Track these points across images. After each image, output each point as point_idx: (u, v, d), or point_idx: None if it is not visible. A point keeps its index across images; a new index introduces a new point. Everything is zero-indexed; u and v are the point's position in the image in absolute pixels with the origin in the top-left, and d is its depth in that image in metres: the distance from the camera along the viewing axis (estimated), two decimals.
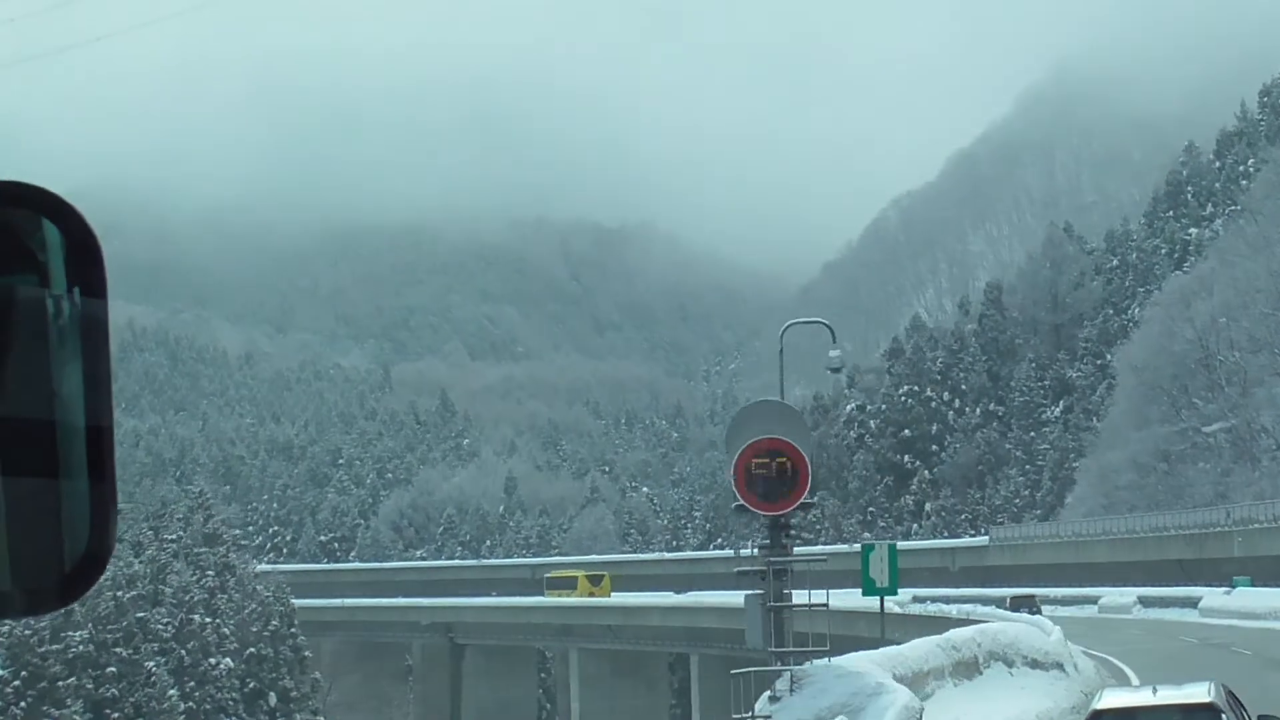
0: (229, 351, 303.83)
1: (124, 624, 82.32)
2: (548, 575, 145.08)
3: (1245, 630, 68.12)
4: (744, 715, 29.52)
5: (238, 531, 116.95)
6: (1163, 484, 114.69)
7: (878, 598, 40.71)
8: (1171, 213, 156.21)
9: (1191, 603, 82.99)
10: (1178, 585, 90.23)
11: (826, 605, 31.07)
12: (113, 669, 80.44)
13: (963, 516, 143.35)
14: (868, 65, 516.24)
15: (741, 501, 30.38)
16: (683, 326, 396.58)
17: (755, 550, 31.36)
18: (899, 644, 42.76)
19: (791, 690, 28.43)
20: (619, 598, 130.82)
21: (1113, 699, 20.92)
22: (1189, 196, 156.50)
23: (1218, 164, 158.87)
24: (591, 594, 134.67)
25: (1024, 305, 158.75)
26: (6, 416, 2.86)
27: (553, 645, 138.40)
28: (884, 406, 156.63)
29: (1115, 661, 53.43)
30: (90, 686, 78.94)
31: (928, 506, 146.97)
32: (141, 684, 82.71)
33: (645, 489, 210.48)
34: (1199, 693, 19.99)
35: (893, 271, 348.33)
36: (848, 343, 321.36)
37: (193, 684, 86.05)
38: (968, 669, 33.48)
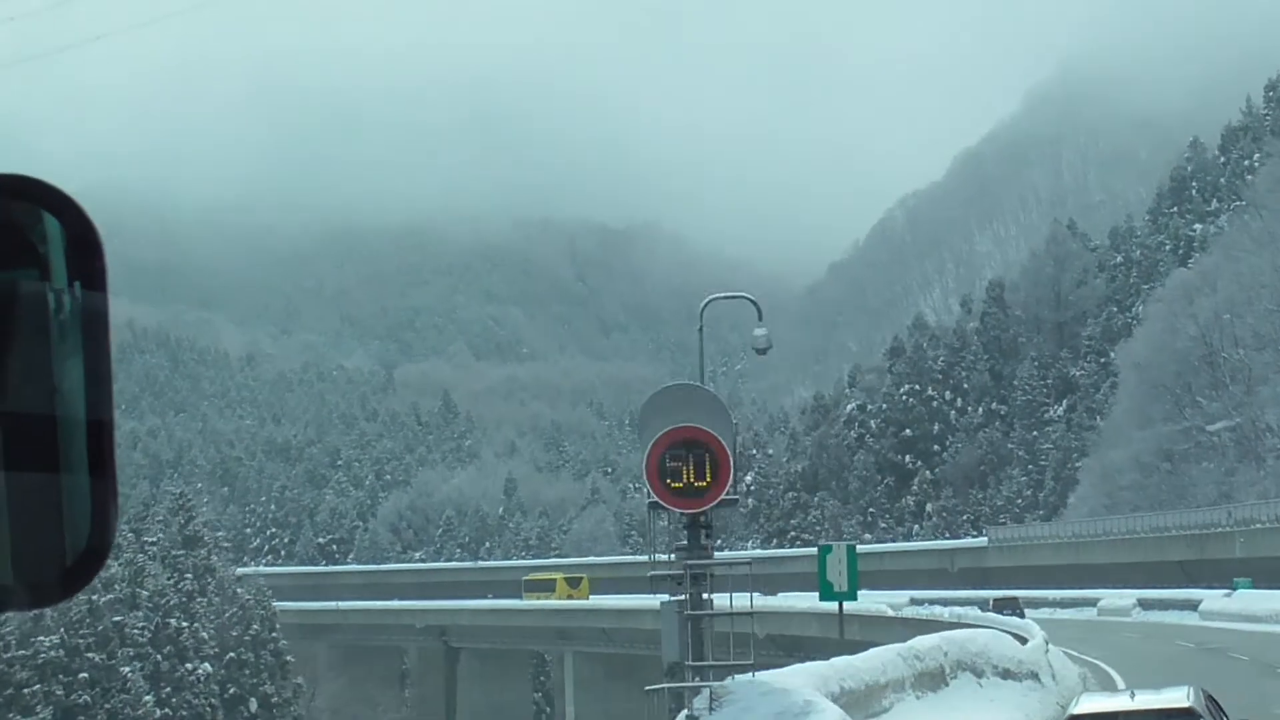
0: (230, 353, 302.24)
1: (99, 628, 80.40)
2: (526, 578, 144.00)
3: (1245, 634, 66.13)
4: None
5: (221, 533, 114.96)
6: (1166, 484, 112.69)
7: (839, 602, 37.89)
8: (1176, 209, 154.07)
9: (1191, 605, 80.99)
10: (1178, 587, 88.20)
11: (750, 612, 28.78)
12: (84, 675, 78.49)
13: (965, 517, 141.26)
14: (873, 65, 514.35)
15: (655, 498, 27.92)
16: (688, 327, 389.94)
17: (671, 555, 28.99)
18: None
19: (711, 708, 26.19)
20: (612, 600, 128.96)
21: (1089, 704, 20.31)
22: (1193, 192, 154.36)
23: (1222, 159, 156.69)
24: (570, 596, 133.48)
25: (1027, 303, 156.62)
26: (8, 411, 2.85)
27: (547, 648, 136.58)
28: (885, 406, 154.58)
29: (1105, 667, 51.51)
30: (60, 693, 77.01)
31: (929, 507, 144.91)
32: (116, 690, 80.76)
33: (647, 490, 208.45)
34: (1177, 697, 19.49)
35: (899, 271, 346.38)
36: (853, 343, 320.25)
37: (169, 690, 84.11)
38: (932, 680, 31.34)
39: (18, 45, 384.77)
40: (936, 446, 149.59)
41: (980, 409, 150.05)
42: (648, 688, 29.90)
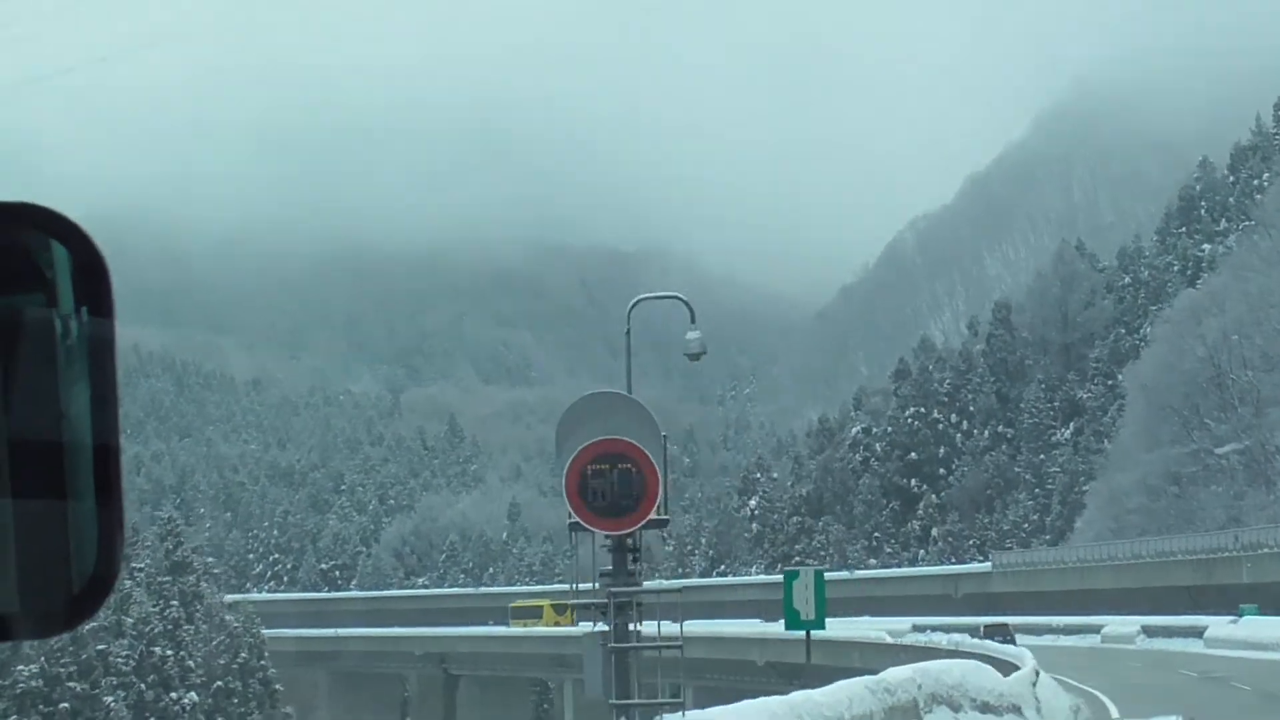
0: (237, 377, 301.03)
1: (82, 657, 78.70)
2: (513, 605, 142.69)
3: (1250, 662, 64.27)
4: None
5: (211, 559, 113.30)
6: (1174, 507, 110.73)
7: (805, 631, 35.52)
8: (1184, 229, 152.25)
9: (1197, 632, 79.06)
10: (1184, 614, 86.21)
11: (680, 644, 26.86)
12: (65, 705, 76.77)
13: (971, 541, 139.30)
14: (884, 88, 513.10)
15: (575, 518, 25.88)
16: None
17: (595, 583, 26.90)
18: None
19: None
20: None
21: None
22: (1202, 212, 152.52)
23: (1231, 179, 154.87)
24: (557, 623, 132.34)
25: (1033, 324, 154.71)
26: (15, 437, 2.84)
27: (546, 675, 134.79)
28: (890, 429, 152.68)
29: (1102, 697, 49.75)
30: None
31: (934, 531, 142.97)
32: None
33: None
34: None
35: (909, 294, 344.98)
36: (863, 366, 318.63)
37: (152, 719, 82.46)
38: (904, 715, 29.49)
39: (26, 65, 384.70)
40: (942, 470, 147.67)
41: (986, 432, 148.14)
42: None
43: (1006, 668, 51.73)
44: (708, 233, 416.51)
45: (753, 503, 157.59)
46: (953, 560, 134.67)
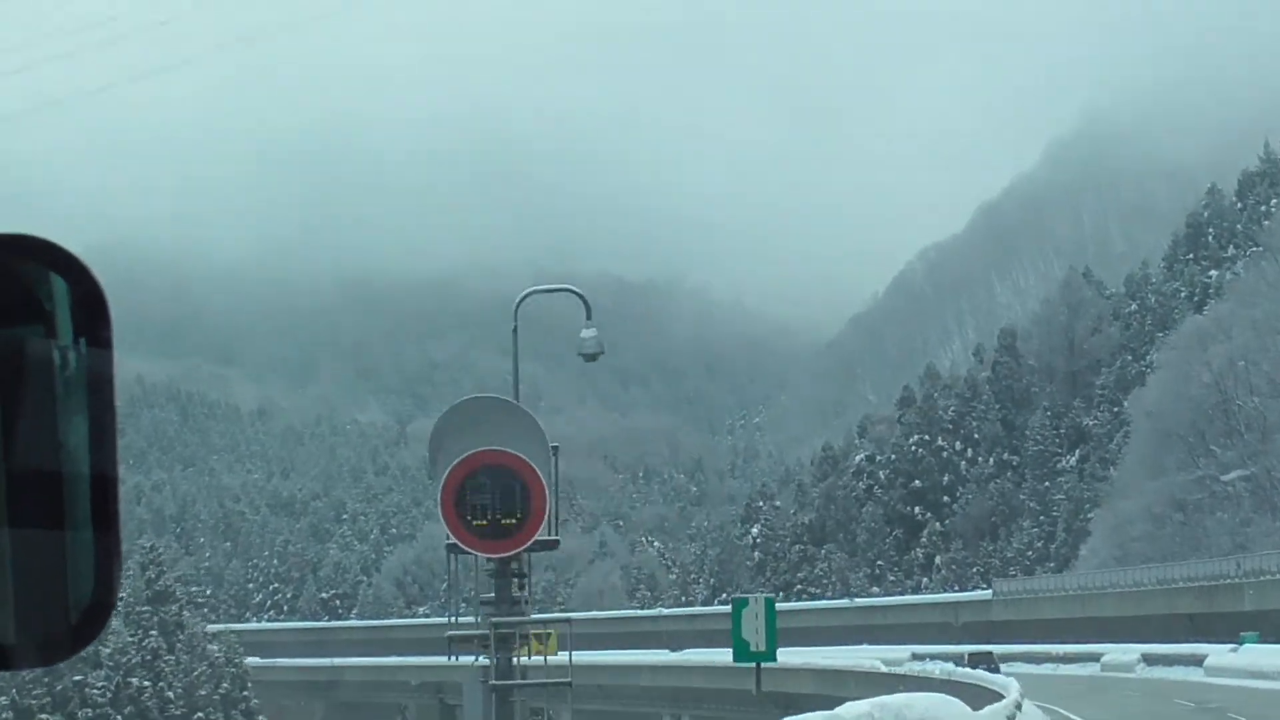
0: (242, 407, 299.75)
1: (57, 688, 76.99)
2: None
3: (1249, 692, 62.55)
4: None
5: (195, 588, 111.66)
6: (1179, 535, 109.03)
7: (755, 664, 32.84)
8: (1192, 255, 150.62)
9: (1197, 661, 77.30)
10: (1185, 642, 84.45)
11: (569, 680, 24.74)
12: None
13: (975, 570, 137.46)
14: (895, 118, 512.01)
15: (453, 539, 23.22)
16: (708, 380, 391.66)
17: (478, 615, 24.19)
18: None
19: None
20: (611, 656, 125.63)
21: None
22: (1210, 238, 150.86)
23: (1239, 205, 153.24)
24: (539, 652, 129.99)
25: (1039, 351, 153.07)
26: (13, 467, 2.89)
27: (543, 705, 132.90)
28: (894, 457, 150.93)
29: None
30: None
31: (938, 560, 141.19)
32: None
33: (657, 544, 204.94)
34: None
35: (919, 324, 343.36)
36: (872, 395, 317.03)
37: None
38: None
39: (29, 95, 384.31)
40: (946, 498, 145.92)
41: (991, 459, 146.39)
42: None
43: (991, 697, 50.20)
44: (717, 262, 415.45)
45: (755, 531, 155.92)
46: (956, 588, 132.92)
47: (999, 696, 48.39)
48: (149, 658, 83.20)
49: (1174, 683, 72.82)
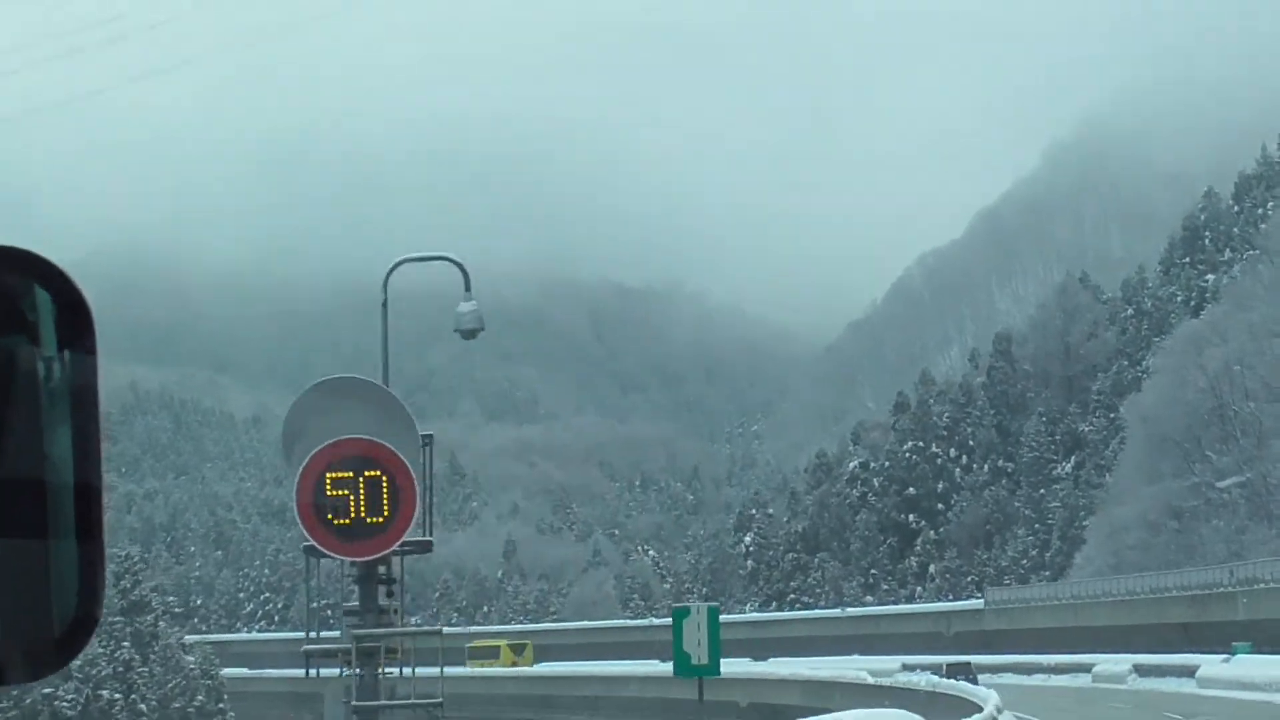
0: (237, 414, 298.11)
1: (26, 701, 75.36)
2: (470, 645, 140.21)
3: (1239, 704, 61.02)
4: None
5: (172, 598, 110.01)
6: (1174, 542, 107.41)
7: (698, 679, 30.49)
8: (1188, 259, 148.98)
9: (1189, 672, 75.73)
10: (1178, 651, 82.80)
11: (440, 699, 22.62)
12: None
13: (969, 578, 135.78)
14: (893, 122, 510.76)
15: (310, 540, 20.73)
16: (708, 387, 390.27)
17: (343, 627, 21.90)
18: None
19: None
20: (599, 667, 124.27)
21: None
22: (1206, 242, 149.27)
23: (1236, 208, 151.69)
24: (514, 663, 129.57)
25: (1035, 357, 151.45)
26: None
27: (532, 717, 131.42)
28: (888, 464, 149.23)
29: None
30: None
31: (932, 568, 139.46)
32: None
33: (652, 552, 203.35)
34: None
35: (918, 330, 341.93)
36: (871, 402, 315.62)
37: None
38: None
39: (24, 99, 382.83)
40: (941, 505, 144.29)
41: (986, 466, 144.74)
42: None
43: (971, 709, 48.81)
44: (716, 267, 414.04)
45: (748, 539, 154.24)
46: (950, 597, 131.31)
47: (978, 709, 46.87)
48: (121, 669, 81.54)
49: (1165, 694, 71.30)
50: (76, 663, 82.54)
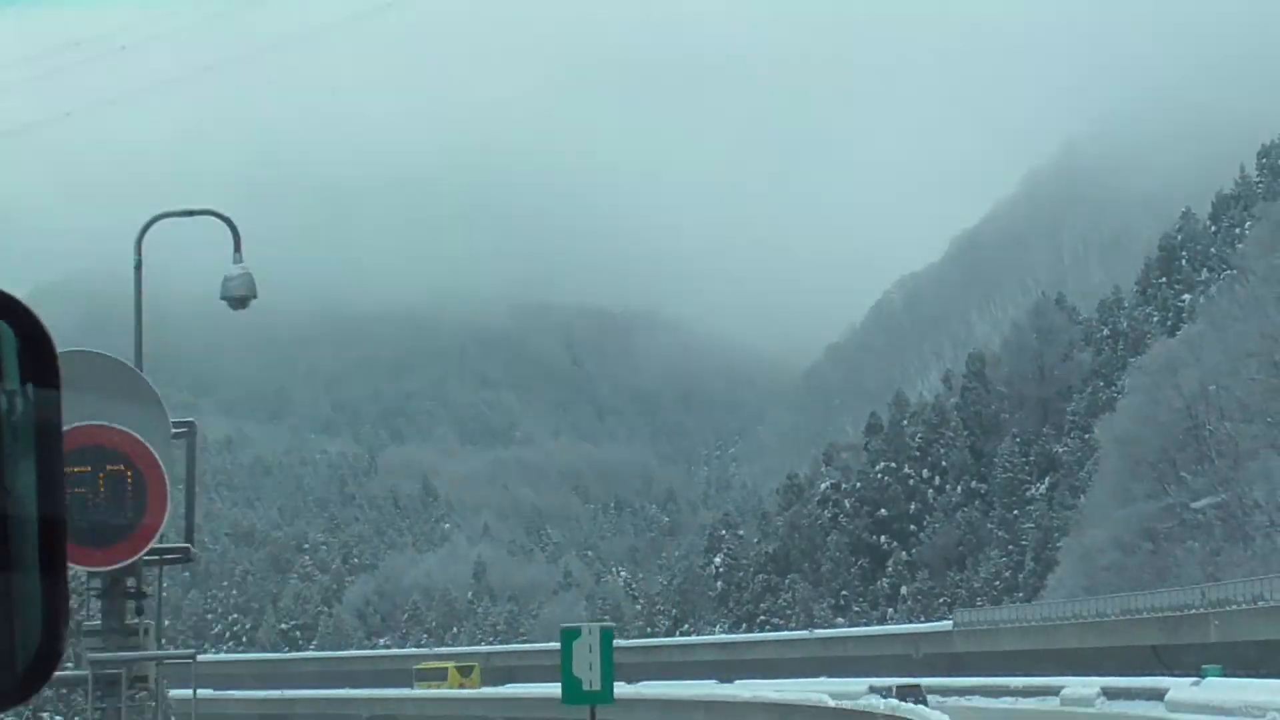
0: (210, 437, 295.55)
1: None
2: (417, 667, 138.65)
3: None
4: None
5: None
6: (1148, 564, 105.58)
7: (590, 707, 26.85)
8: (1165, 279, 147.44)
9: (1158, 694, 73.79)
10: (1148, 674, 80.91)
11: None
12: None
13: (941, 600, 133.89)
14: (871, 146, 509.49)
15: None
16: (685, 411, 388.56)
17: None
18: None
19: None
20: (553, 689, 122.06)
21: None
22: (1183, 262, 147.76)
23: (1213, 228, 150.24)
24: (461, 685, 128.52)
25: (1009, 378, 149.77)
26: None
27: None
28: (859, 485, 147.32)
29: None
30: None
31: (904, 589, 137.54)
32: None
33: (624, 573, 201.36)
34: None
35: (896, 354, 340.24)
36: (849, 426, 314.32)
37: None
38: None
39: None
40: (913, 526, 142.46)
41: (959, 487, 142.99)
42: None
43: None
44: (694, 292, 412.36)
45: (718, 560, 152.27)
46: (923, 619, 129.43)
47: None
48: (64, 690, 79.05)
49: (1131, 718, 69.42)
50: None
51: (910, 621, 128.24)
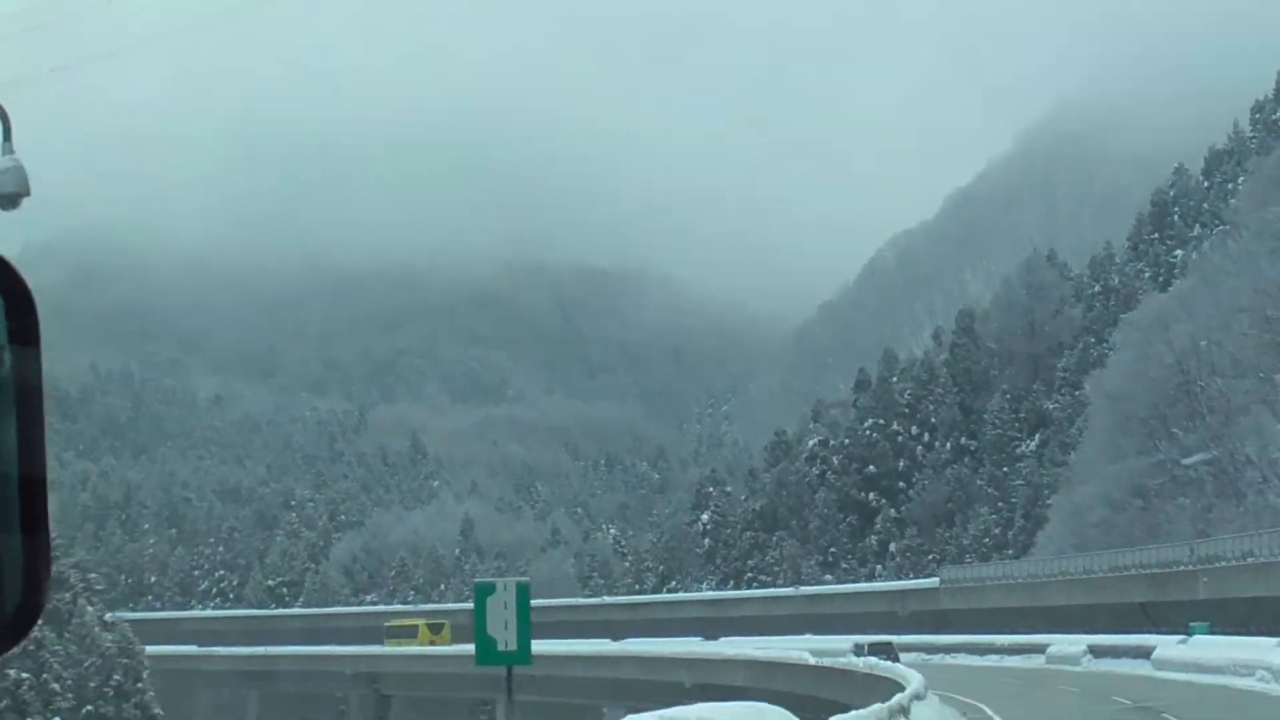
0: (199, 395, 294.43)
1: None
2: (388, 624, 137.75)
3: (1193, 688, 57.89)
4: None
5: (94, 575, 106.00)
6: (1139, 521, 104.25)
7: (507, 668, 24.65)
8: (1157, 235, 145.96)
9: (1145, 653, 72.61)
10: (1135, 632, 79.69)
11: None
12: None
13: (930, 557, 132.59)
14: (865, 104, 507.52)
15: None
16: (677, 369, 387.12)
17: None
18: None
19: None
20: (544, 646, 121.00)
21: None
22: (1175, 217, 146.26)
23: (1206, 184, 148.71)
24: (432, 642, 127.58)
25: (999, 334, 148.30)
26: None
27: (478, 695, 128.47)
28: (848, 442, 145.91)
29: None
30: None
31: (892, 547, 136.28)
32: None
33: (613, 531, 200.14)
34: None
35: (889, 312, 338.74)
36: (842, 384, 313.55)
37: None
38: None
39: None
40: (902, 483, 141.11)
41: (948, 444, 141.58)
42: None
43: (893, 687, 46.44)
44: (687, 251, 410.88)
45: (705, 517, 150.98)
46: (911, 576, 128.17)
47: (899, 687, 43.95)
48: (32, 648, 77.92)
49: (1118, 676, 68.24)
50: None
51: (899, 579, 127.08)
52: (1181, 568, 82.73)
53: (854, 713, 33.06)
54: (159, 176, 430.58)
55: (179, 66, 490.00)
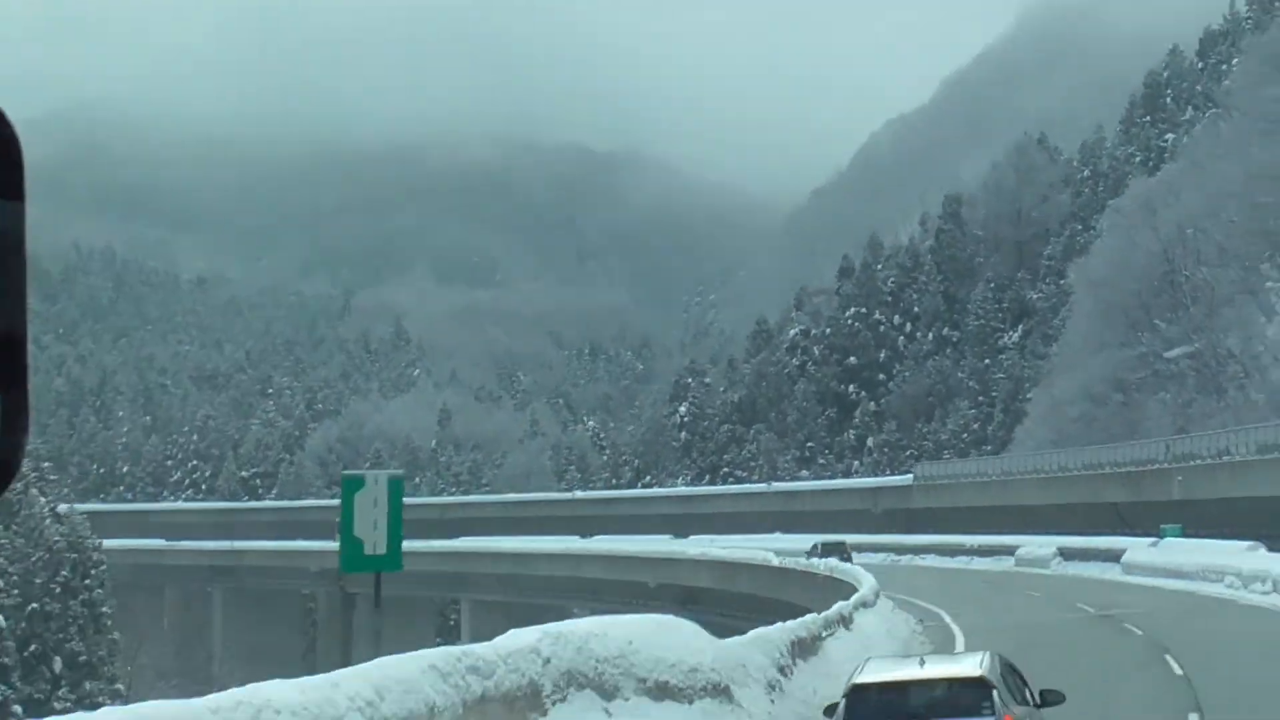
0: (183, 276, 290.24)
1: None
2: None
3: (1160, 594, 54.68)
4: None
5: (48, 464, 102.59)
6: (1119, 416, 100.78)
7: (375, 574, 21.51)
8: (1149, 118, 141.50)
9: (1115, 556, 69.35)
10: (1107, 534, 76.33)
11: None
12: None
13: (909, 452, 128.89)
14: None
15: None
16: (669, 255, 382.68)
17: None
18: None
19: None
20: (512, 543, 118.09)
21: (874, 672, 17.97)
22: (1168, 100, 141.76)
23: (1200, 65, 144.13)
24: None
25: (985, 220, 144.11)
26: None
27: (444, 594, 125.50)
28: (829, 331, 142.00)
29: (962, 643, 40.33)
30: None
31: (870, 441, 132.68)
32: None
33: (592, 423, 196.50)
34: (969, 666, 17.90)
35: (882, 198, 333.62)
36: (830, 271, 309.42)
37: None
38: (508, 707, 19.33)
39: None
40: (882, 375, 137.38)
41: (930, 334, 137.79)
42: None
43: (853, 591, 43.59)
44: (681, 134, 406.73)
45: (683, 409, 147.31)
46: (888, 472, 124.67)
47: (854, 589, 40.93)
48: None
49: (1085, 581, 65.10)
50: None
51: (875, 475, 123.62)
52: (1156, 466, 79.25)
53: (780, 625, 29.55)
54: (161, 55, 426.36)
55: None
